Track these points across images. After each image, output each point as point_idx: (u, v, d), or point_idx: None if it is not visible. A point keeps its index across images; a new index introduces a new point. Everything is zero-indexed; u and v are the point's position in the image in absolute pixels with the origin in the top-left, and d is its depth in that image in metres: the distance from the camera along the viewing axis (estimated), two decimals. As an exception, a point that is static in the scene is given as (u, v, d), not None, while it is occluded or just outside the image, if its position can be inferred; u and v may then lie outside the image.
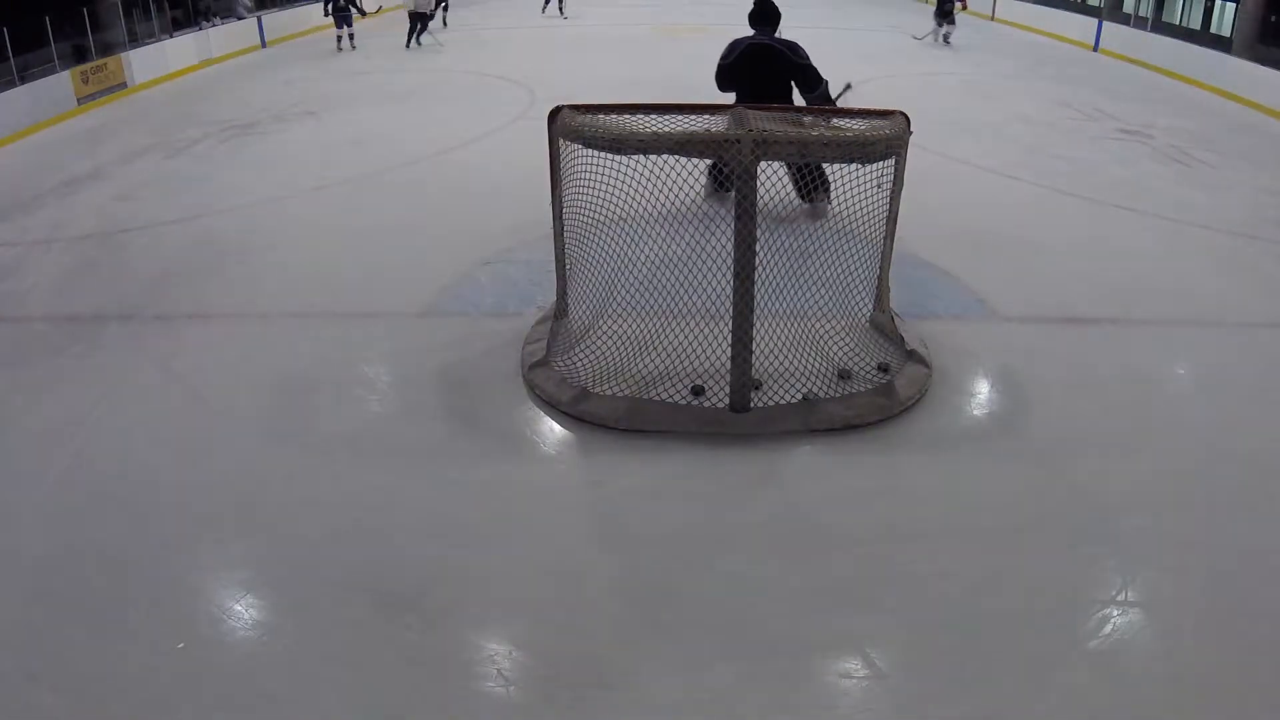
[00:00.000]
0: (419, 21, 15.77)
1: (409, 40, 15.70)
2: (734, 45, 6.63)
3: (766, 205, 4.46)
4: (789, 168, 5.17)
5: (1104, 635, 3.08)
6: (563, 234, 4.70)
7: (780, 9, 6.72)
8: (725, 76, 6.66)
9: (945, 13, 16.07)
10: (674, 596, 3.26)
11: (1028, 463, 4.04)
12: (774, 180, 4.53)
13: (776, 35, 6.65)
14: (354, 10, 15.59)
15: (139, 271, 6.14)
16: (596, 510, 3.82)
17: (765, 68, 6.49)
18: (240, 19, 16.71)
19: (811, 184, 5.27)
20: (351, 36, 15.57)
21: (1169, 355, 5.12)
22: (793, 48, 6.51)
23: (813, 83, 6.49)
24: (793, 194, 5.35)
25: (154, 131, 10.11)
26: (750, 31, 6.70)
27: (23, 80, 10.87)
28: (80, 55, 12.15)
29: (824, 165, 5.24)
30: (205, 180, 8.21)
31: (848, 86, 6.84)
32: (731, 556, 3.45)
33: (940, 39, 15.94)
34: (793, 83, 6.54)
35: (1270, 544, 3.53)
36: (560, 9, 19.07)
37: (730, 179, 4.82)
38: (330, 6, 15.51)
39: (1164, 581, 3.37)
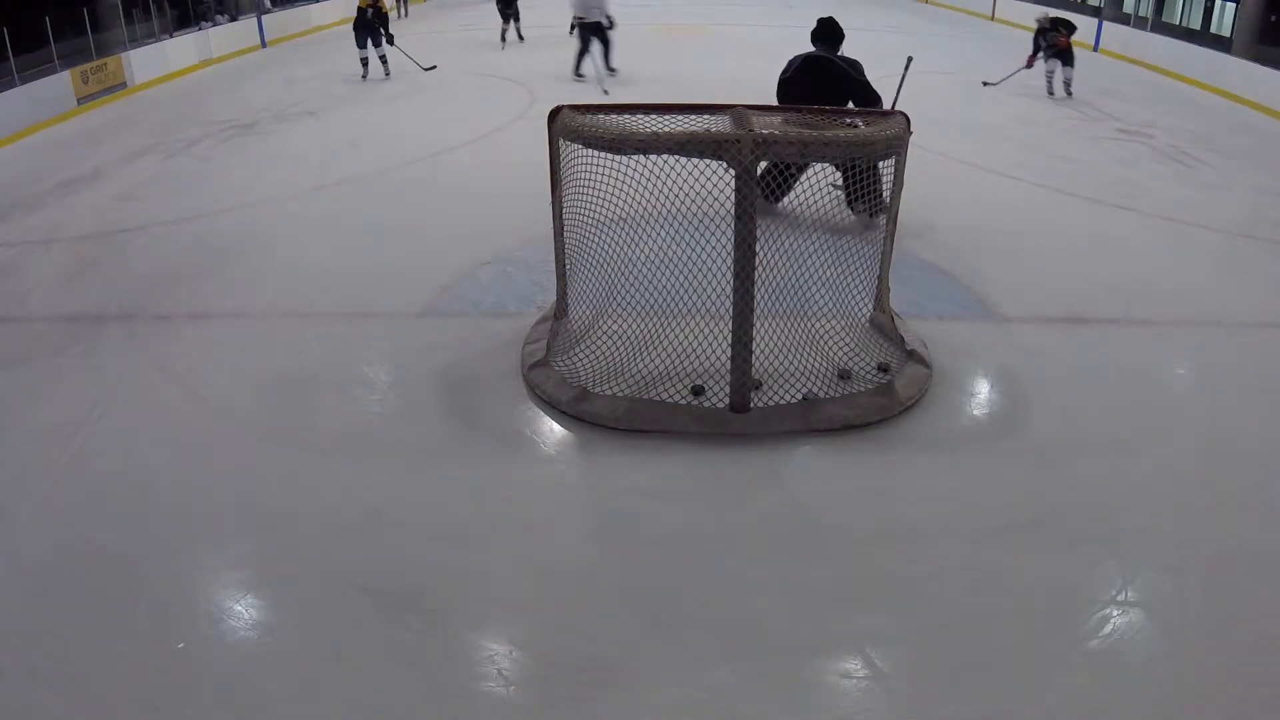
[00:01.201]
0: (592, 37, 11.75)
1: (578, 64, 12.02)
2: (792, 60, 6.65)
3: (802, 210, 4.49)
4: (844, 179, 5.10)
5: (1104, 635, 3.08)
6: (563, 234, 4.70)
7: (842, 28, 6.69)
8: (781, 91, 6.69)
9: (1053, 47, 11.36)
10: (674, 596, 3.26)
11: (1028, 463, 4.04)
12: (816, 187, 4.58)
13: (839, 54, 6.64)
14: (383, 32, 12.36)
15: (139, 271, 6.14)
16: (596, 510, 3.82)
17: (822, 82, 6.42)
18: (264, 14, 16.65)
19: (862, 194, 5.22)
20: (383, 59, 12.50)
21: (1169, 355, 5.12)
22: (853, 65, 6.48)
23: (871, 100, 6.44)
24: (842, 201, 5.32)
25: (154, 131, 10.11)
26: (810, 48, 6.69)
27: (23, 80, 10.86)
28: (80, 55, 12.15)
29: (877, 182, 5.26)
30: (205, 180, 8.21)
31: (910, 60, 6.79)
32: (731, 556, 3.45)
33: (1060, 86, 11.51)
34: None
35: (1270, 544, 3.53)
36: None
37: (777, 191, 4.84)
38: (357, 19, 12.31)
39: (1164, 581, 3.37)
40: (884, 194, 5.11)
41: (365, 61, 12.47)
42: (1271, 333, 5.41)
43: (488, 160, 8.56)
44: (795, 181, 5.05)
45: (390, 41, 12.41)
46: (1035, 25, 11.64)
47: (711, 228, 4.23)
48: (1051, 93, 11.61)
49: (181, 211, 7.28)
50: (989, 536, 3.57)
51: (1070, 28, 11.51)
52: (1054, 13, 12.06)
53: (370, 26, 12.28)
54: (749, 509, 3.73)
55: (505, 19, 15.34)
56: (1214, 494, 3.85)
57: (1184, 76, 13.47)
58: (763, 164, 5.06)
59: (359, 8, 12.26)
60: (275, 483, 3.89)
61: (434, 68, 12.83)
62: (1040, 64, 11.58)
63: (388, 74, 12.56)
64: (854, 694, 2.88)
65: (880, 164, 5.13)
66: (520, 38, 15.44)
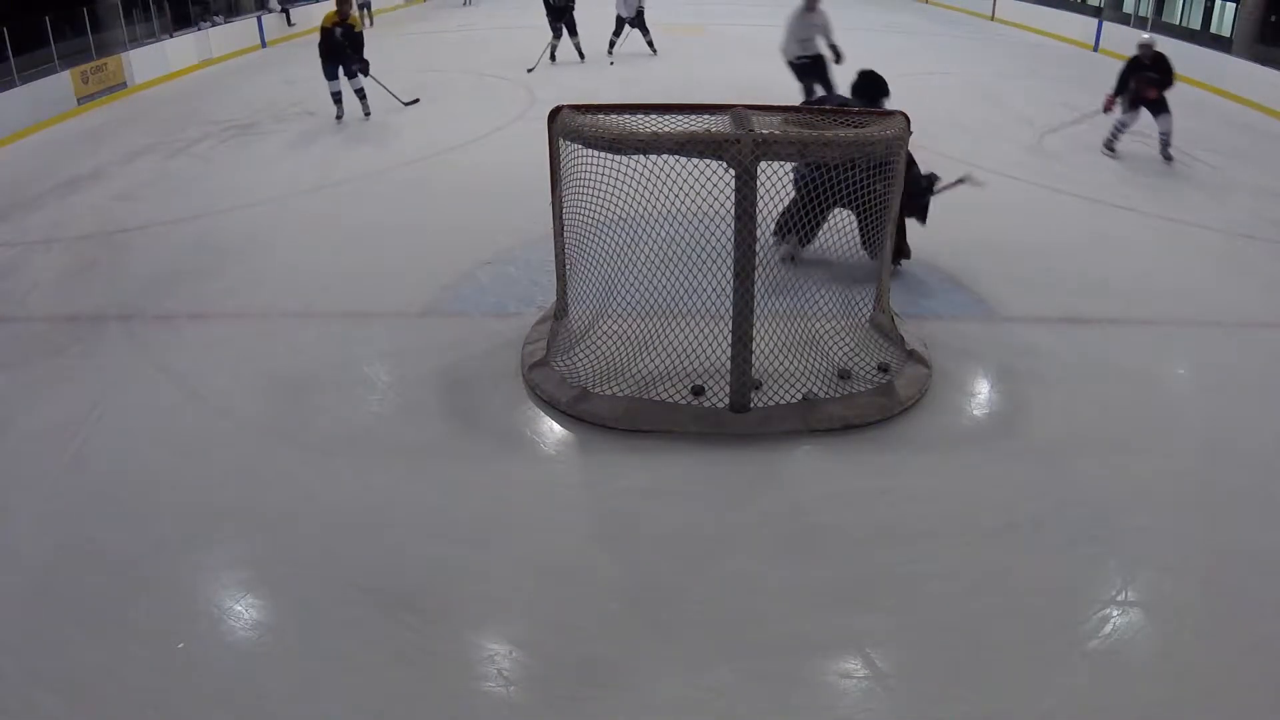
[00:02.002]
0: (813, 79, 8.66)
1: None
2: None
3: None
4: (859, 223, 4.89)
5: (1104, 635, 3.08)
6: (563, 234, 4.70)
7: (887, 83, 5.83)
8: None
9: (1148, 100, 8.28)
10: (674, 596, 3.26)
11: (1028, 463, 4.04)
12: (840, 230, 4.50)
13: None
14: (355, 63, 9.69)
15: (139, 271, 6.14)
16: (596, 510, 3.82)
17: None
18: (271, 12, 16.48)
19: (877, 239, 4.80)
20: (360, 94, 9.90)
21: (1169, 355, 5.12)
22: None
23: (915, 182, 5.39)
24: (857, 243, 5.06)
25: (154, 131, 10.10)
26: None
27: (23, 80, 10.86)
28: (80, 55, 12.15)
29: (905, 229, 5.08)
30: (205, 180, 8.20)
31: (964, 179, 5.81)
32: (731, 556, 3.45)
33: (1160, 149, 8.50)
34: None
35: (1270, 544, 3.53)
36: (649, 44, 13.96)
37: (806, 239, 4.67)
38: (323, 43, 9.53)
39: (1164, 581, 3.37)
40: (900, 239, 4.99)
41: (338, 97, 9.87)
42: (1271, 333, 5.41)
43: (487, 160, 8.56)
44: (820, 226, 4.90)
45: (364, 71, 9.81)
46: (1135, 52, 8.39)
47: (711, 228, 4.23)
48: (1113, 149, 8.70)
49: (181, 211, 7.28)
50: (989, 536, 3.57)
51: (1169, 72, 8.19)
52: (1160, 43, 8.65)
53: (341, 52, 9.57)
54: (749, 509, 3.73)
55: (556, 33, 13.20)
56: (1214, 494, 3.85)
57: (1184, 76, 13.41)
58: (785, 212, 4.92)
59: (323, 28, 9.59)
60: (275, 483, 3.89)
61: (416, 101, 10.58)
62: (1114, 111, 8.61)
63: (367, 113, 10.00)
64: (854, 694, 2.88)
65: (899, 210, 4.85)
66: (581, 56, 13.43)
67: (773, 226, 5.17)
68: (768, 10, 19.34)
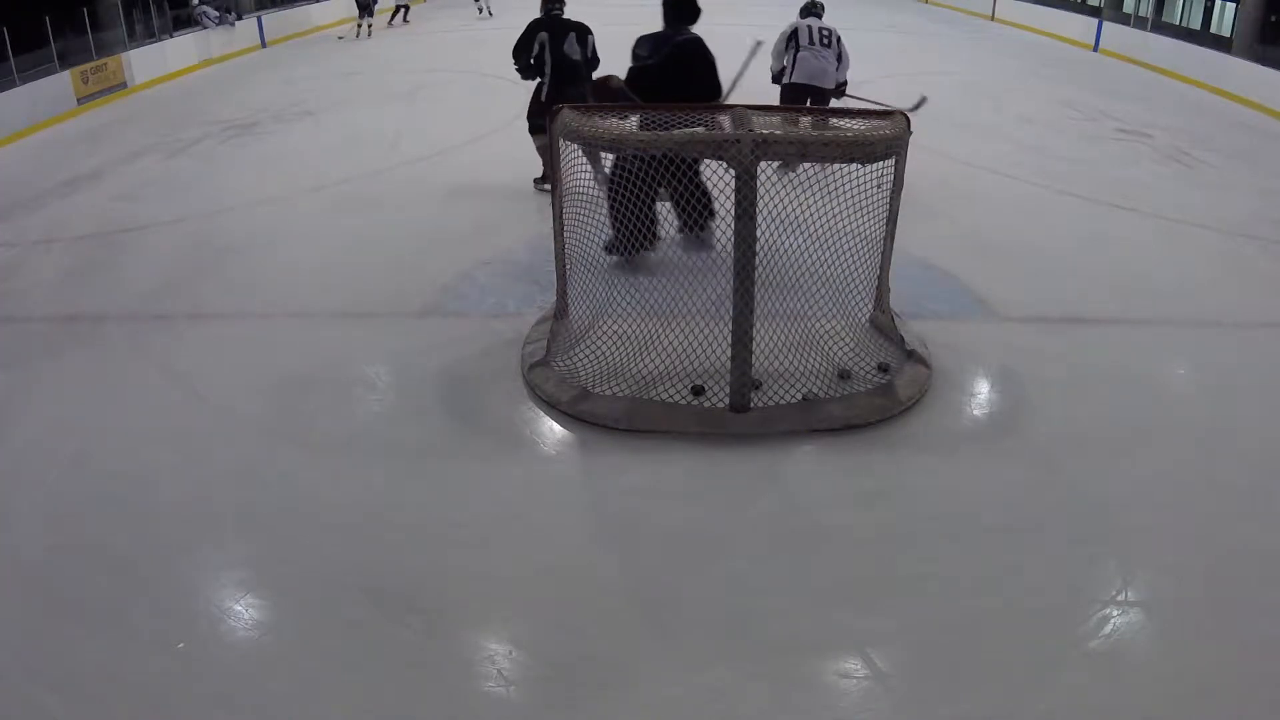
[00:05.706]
0: None
1: None
2: (644, 39, 5.40)
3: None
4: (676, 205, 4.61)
5: (1104, 635, 3.08)
6: (563, 234, 4.70)
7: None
8: (645, 79, 5.38)
9: None
10: (674, 596, 3.26)
11: (1028, 463, 4.04)
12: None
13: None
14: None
15: (139, 271, 6.14)
16: (596, 510, 3.82)
17: (699, 74, 5.31)
18: (204, 28, 14.92)
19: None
20: None
21: (1169, 355, 5.12)
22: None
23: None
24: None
25: (154, 131, 10.11)
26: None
27: (23, 80, 10.86)
28: (80, 55, 12.14)
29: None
30: (205, 180, 8.21)
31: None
32: (731, 556, 3.44)
33: None
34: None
35: (1270, 544, 3.53)
36: None
37: (695, 221, 4.55)
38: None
39: (1164, 581, 3.37)
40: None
41: None
42: (1271, 333, 5.41)
43: (488, 160, 8.55)
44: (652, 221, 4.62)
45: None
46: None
47: (711, 227, 4.23)
48: None
49: (181, 211, 7.28)
50: (989, 536, 3.57)
51: None
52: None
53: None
54: (749, 509, 3.73)
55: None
56: (1214, 494, 3.85)
57: (1184, 76, 13.48)
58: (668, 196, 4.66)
59: None
60: (275, 483, 3.89)
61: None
62: None
63: None
64: (854, 694, 2.88)
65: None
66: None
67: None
68: (769, 11, 19.34)
